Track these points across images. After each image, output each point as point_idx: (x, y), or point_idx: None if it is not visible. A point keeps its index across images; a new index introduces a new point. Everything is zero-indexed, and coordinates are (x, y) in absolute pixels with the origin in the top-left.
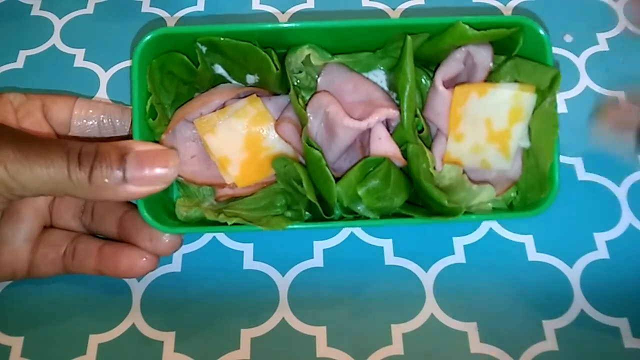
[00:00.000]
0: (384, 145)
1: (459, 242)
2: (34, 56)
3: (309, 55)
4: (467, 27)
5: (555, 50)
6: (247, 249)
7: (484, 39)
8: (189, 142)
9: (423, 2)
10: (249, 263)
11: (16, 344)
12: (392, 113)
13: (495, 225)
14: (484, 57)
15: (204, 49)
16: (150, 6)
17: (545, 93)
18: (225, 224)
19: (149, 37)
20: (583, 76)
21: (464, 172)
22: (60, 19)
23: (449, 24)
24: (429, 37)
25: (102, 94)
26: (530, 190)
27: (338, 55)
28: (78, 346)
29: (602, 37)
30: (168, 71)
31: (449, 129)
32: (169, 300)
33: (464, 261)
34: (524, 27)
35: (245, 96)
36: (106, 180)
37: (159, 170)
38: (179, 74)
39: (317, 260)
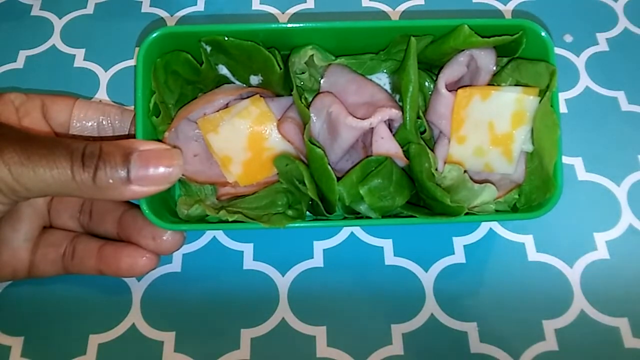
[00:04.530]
0: (386, 144)
1: (459, 242)
2: (34, 56)
3: (313, 56)
4: (471, 31)
5: (555, 50)
6: (247, 249)
7: (488, 45)
8: (192, 141)
9: (423, 3)
10: (249, 263)
11: (16, 344)
12: (395, 113)
13: (495, 225)
14: (487, 61)
15: (208, 48)
16: (150, 6)
17: (545, 92)
18: (227, 220)
19: (154, 35)
20: (583, 76)
21: (465, 171)
22: (60, 19)
23: (453, 27)
24: (432, 40)
25: (102, 94)
26: (535, 192)
27: (341, 57)
28: (78, 346)
29: (602, 37)
30: (172, 70)
31: (451, 131)
32: (169, 300)
33: (464, 261)
34: (526, 30)
35: (249, 96)
36: (110, 180)
37: (163, 170)
38: (183, 73)
39: (317, 260)
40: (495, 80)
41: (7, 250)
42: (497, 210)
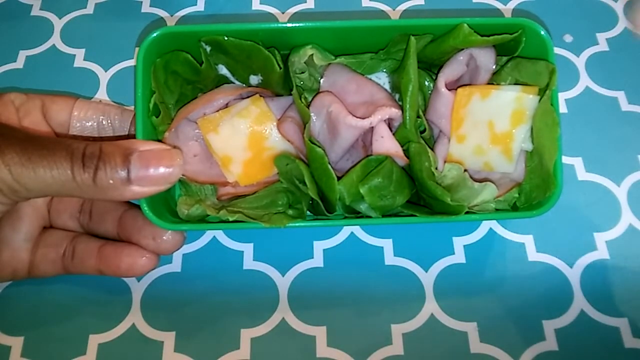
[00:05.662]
0: (386, 143)
1: (459, 242)
2: (34, 56)
3: (312, 55)
4: (471, 30)
5: (555, 50)
6: (247, 249)
7: (487, 43)
8: (192, 141)
9: (423, 3)
10: (249, 263)
11: (16, 344)
12: (395, 112)
13: (495, 225)
14: (486, 59)
15: (208, 48)
16: (150, 6)
17: (545, 91)
18: (227, 220)
19: (154, 35)
20: (583, 76)
21: (465, 170)
22: (60, 19)
23: (453, 26)
24: (431, 39)
25: (102, 94)
26: (535, 191)
27: (340, 56)
28: (78, 346)
29: (602, 37)
30: (172, 70)
31: (451, 130)
32: (169, 300)
33: (464, 261)
34: (526, 29)
35: (249, 96)
36: (111, 181)
37: (163, 170)
38: (183, 73)
39: (317, 260)
40: (494, 79)
41: (7, 250)
42: (497, 209)
